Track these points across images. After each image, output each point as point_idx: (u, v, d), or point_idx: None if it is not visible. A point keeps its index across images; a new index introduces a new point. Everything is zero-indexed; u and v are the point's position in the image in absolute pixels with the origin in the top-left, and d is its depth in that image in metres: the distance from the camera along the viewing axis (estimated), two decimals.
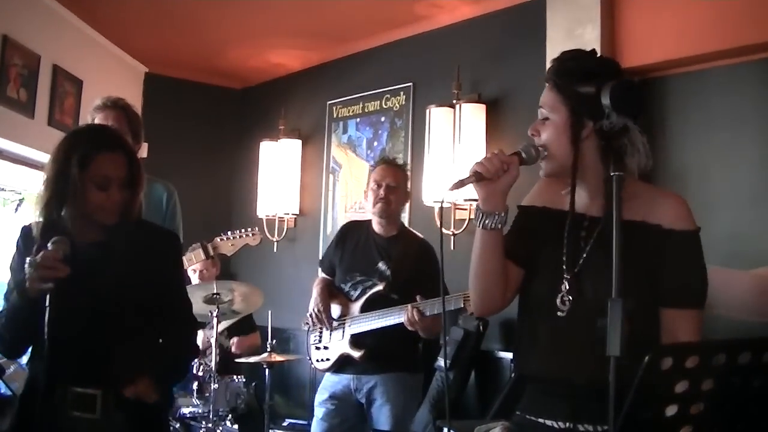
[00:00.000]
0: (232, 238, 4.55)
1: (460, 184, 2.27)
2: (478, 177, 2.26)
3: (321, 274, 4.69)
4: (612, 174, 2.05)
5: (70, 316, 2.64)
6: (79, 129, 3.00)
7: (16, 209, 7.35)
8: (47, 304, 2.54)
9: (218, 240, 4.56)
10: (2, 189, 7.04)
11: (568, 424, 2.21)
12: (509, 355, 5.27)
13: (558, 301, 2.26)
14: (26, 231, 2.86)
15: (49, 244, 2.63)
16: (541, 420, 2.27)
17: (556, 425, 2.23)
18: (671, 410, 1.73)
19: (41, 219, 2.79)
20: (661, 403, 1.73)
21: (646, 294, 2.16)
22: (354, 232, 4.64)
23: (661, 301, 2.18)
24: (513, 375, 5.02)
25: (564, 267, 2.28)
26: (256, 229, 4.94)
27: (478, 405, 5.28)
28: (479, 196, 2.30)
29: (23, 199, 7.10)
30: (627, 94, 2.20)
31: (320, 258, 4.90)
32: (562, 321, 2.25)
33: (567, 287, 2.26)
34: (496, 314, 2.52)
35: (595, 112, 2.20)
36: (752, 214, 4.43)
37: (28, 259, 2.60)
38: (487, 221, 2.30)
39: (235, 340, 6.12)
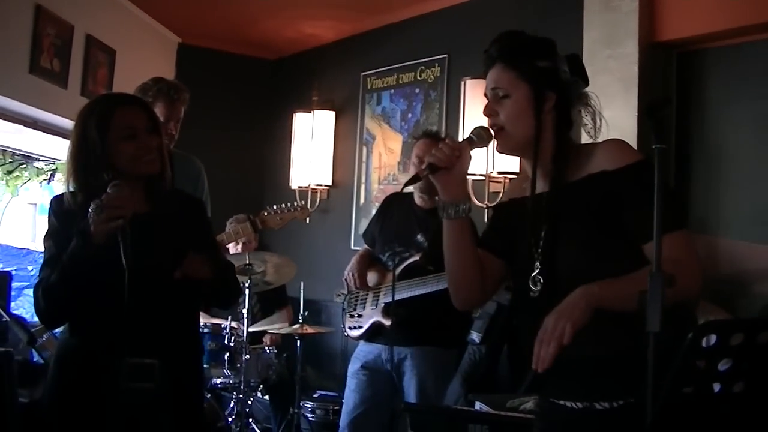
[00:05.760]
0: (279, 212, 4.48)
1: (415, 179, 2.36)
2: (432, 168, 2.29)
3: (364, 246, 4.70)
4: (654, 146, 2.00)
5: (122, 283, 2.63)
6: (92, 101, 2.99)
7: (50, 180, 7.41)
8: (125, 266, 2.55)
9: (265, 214, 4.49)
10: (37, 159, 7.09)
11: (585, 404, 2.19)
12: None
13: (530, 282, 2.27)
14: (59, 201, 2.86)
15: (108, 188, 2.65)
16: (561, 402, 2.26)
17: (574, 406, 2.22)
18: (714, 387, 1.70)
19: (72, 189, 2.78)
20: (704, 380, 1.70)
21: (608, 246, 2.16)
22: (396, 204, 4.63)
23: (636, 240, 2.13)
24: None
25: (532, 249, 2.29)
26: (303, 203, 4.91)
27: (509, 379, 5.26)
28: (438, 187, 2.34)
29: (56, 168, 7.15)
30: (580, 64, 2.31)
31: (363, 231, 4.88)
32: (536, 302, 2.25)
33: (538, 267, 2.26)
34: (476, 305, 2.55)
35: (555, 83, 2.26)
36: None
37: (92, 204, 2.60)
38: (450, 211, 2.35)
39: (268, 339, 6.09)
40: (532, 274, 2.27)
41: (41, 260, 2.84)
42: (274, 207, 4.54)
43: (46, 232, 2.83)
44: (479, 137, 2.34)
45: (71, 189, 2.80)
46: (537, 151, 2.27)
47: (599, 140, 2.32)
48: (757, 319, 1.76)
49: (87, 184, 2.75)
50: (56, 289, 2.68)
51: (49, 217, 2.85)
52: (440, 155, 2.28)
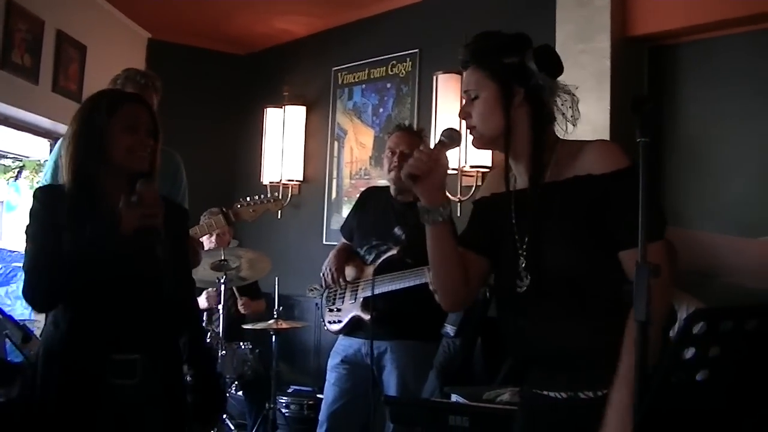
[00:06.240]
0: (253, 204, 4.48)
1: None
2: (413, 179, 2.30)
3: (342, 240, 4.70)
4: (638, 140, 2.03)
5: (109, 279, 2.67)
6: (100, 91, 3.00)
7: (17, 177, 7.34)
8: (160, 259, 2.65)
9: (238, 206, 4.49)
10: (4, 156, 7.02)
11: (569, 394, 2.22)
12: None
13: (517, 278, 2.28)
14: (46, 191, 2.86)
15: (138, 184, 2.71)
16: (545, 392, 2.28)
17: (559, 396, 2.24)
18: (701, 375, 1.73)
19: (71, 175, 2.77)
20: (690, 369, 1.73)
21: (593, 247, 2.17)
22: (373, 197, 4.64)
23: (617, 246, 2.15)
24: None
25: (517, 245, 2.32)
26: (276, 194, 4.90)
27: (485, 372, 5.29)
28: (419, 195, 2.35)
29: (23, 166, 7.08)
30: (549, 55, 2.30)
31: (340, 225, 4.89)
32: (522, 297, 2.27)
33: (523, 263, 2.28)
34: (464, 306, 2.57)
35: (523, 77, 2.27)
36: (763, 182, 4.42)
37: (124, 198, 2.67)
38: (430, 216, 2.36)
39: (244, 299, 6.07)
40: (518, 270, 2.28)
41: (9, 258, 2.83)
42: (248, 199, 4.54)
43: (32, 222, 2.79)
44: (450, 138, 2.36)
45: (69, 175, 2.77)
46: (508, 147, 2.30)
47: (579, 133, 2.34)
48: (746, 307, 1.79)
49: (81, 174, 2.74)
50: (62, 272, 2.67)
51: (34, 206, 2.81)
52: (419, 164, 2.29)
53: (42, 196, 2.84)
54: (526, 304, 2.25)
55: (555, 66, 2.30)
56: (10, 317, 4.01)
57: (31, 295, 2.76)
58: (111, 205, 2.72)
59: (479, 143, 2.40)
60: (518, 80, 2.27)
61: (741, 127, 4.55)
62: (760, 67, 4.48)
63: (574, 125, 2.34)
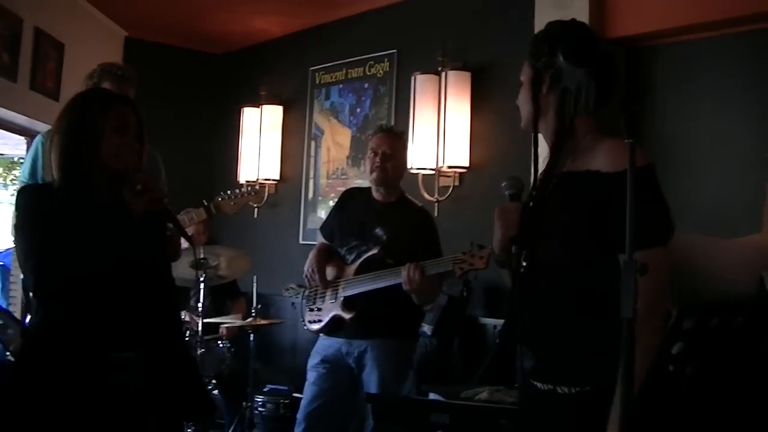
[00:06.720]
0: (233, 197, 4.50)
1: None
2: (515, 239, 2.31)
3: (321, 239, 4.70)
4: (626, 141, 2.06)
5: (103, 275, 2.69)
6: (90, 89, 3.02)
7: None
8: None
9: (219, 199, 4.50)
10: None
11: (548, 387, 2.25)
12: (492, 321, 5.33)
13: (523, 259, 2.31)
14: (36, 192, 2.87)
15: (133, 174, 2.78)
16: (534, 383, 2.31)
17: (542, 387, 2.27)
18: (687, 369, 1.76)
19: (61, 173, 2.76)
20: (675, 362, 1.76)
21: (589, 243, 2.19)
22: (354, 198, 4.64)
23: (617, 246, 2.13)
24: (498, 341, 5.09)
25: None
26: (256, 187, 4.92)
27: (461, 370, 5.34)
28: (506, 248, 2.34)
29: None
30: (576, 42, 2.31)
31: (321, 224, 4.89)
32: (522, 279, 2.30)
33: (526, 246, 2.30)
34: None
35: (550, 64, 2.31)
36: (737, 184, 4.48)
37: (126, 188, 2.75)
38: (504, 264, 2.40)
39: (224, 330, 6.02)
40: (523, 252, 2.31)
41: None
42: (228, 192, 4.56)
43: (18, 224, 2.79)
44: (519, 188, 2.39)
45: (58, 172, 2.77)
46: (536, 131, 2.35)
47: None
48: (733, 304, 1.83)
49: (73, 171, 2.74)
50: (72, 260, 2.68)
51: (18, 207, 2.80)
52: (511, 222, 2.31)
53: (30, 196, 2.85)
54: (524, 285, 2.29)
55: (580, 54, 2.30)
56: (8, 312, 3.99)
57: (39, 281, 2.73)
58: (102, 203, 2.73)
59: (523, 127, 2.44)
60: (545, 66, 2.32)
61: (715, 128, 4.62)
62: (735, 70, 4.54)
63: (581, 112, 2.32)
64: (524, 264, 2.30)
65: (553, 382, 2.23)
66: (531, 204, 2.34)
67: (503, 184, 2.39)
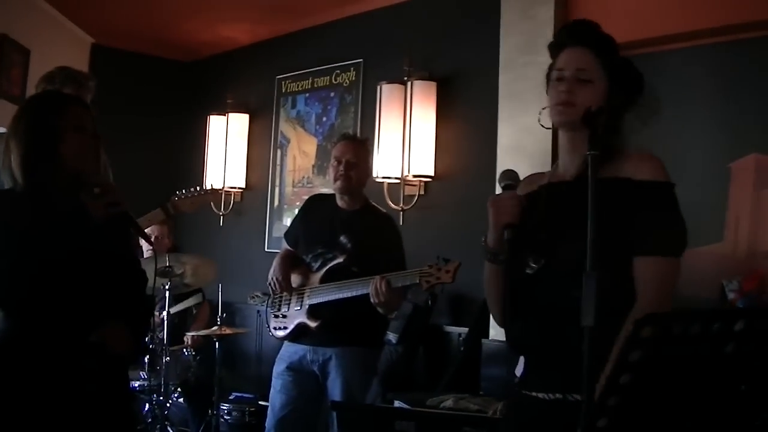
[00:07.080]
0: (190, 195, 4.47)
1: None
2: (512, 227, 2.29)
3: (285, 246, 4.70)
4: (587, 153, 2.07)
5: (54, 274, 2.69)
6: (45, 91, 3.02)
7: None
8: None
9: (176, 198, 4.47)
10: None
11: (557, 395, 2.23)
12: (457, 329, 5.36)
13: (530, 259, 2.31)
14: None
15: (90, 177, 2.80)
16: (534, 393, 2.30)
17: (547, 397, 2.25)
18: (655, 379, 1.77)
19: (24, 175, 2.74)
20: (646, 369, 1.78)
21: (618, 250, 2.19)
22: (318, 205, 4.65)
23: (632, 250, 2.19)
24: (462, 349, 5.13)
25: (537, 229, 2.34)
26: (211, 185, 4.89)
27: (426, 378, 5.36)
28: (501, 240, 2.32)
29: None
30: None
31: (285, 231, 4.89)
32: (532, 279, 2.30)
33: (540, 249, 2.31)
34: None
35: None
36: (699, 194, 4.54)
37: (84, 190, 2.76)
38: (499, 257, 2.35)
39: (189, 339, 6.02)
40: (534, 255, 2.31)
41: None
42: (183, 191, 4.52)
43: None
44: (515, 180, 2.40)
45: (19, 178, 2.76)
46: (595, 143, 2.19)
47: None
48: (692, 311, 1.85)
49: (34, 174, 2.74)
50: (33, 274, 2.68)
51: None
52: (513, 211, 2.29)
53: None
54: (535, 285, 2.29)
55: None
56: None
57: (6, 290, 2.71)
58: (64, 204, 2.74)
59: (564, 119, 2.38)
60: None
61: (678, 139, 4.67)
62: (698, 82, 4.60)
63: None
64: (533, 266, 2.31)
65: (563, 390, 2.21)
66: (545, 208, 2.35)
67: (498, 177, 2.40)
